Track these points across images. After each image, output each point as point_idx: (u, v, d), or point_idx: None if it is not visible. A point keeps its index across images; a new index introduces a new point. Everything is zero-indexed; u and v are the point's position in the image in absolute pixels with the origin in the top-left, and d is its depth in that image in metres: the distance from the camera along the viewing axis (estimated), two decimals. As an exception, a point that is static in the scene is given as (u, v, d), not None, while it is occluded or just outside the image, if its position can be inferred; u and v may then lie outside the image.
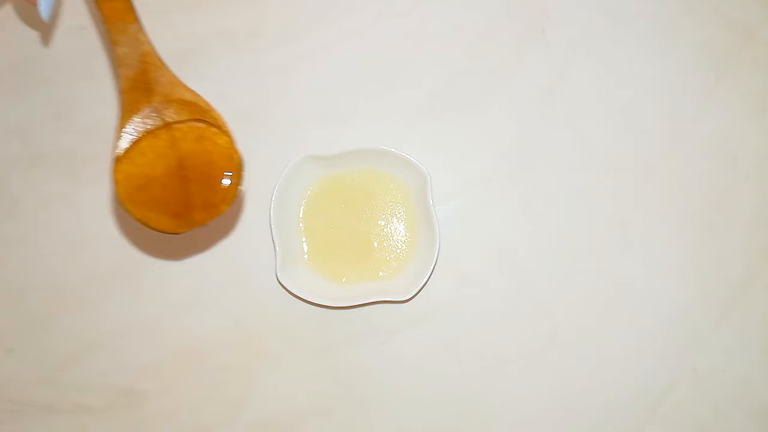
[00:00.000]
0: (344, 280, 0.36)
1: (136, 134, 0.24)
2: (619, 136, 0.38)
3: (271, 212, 0.34)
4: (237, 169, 0.25)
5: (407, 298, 0.34)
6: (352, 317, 0.37)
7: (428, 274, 0.34)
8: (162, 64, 0.24)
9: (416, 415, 0.36)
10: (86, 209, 0.38)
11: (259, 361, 0.37)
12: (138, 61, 0.24)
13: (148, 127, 0.24)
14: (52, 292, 0.37)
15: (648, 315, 0.37)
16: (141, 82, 0.24)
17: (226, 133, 0.25)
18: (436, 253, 0.34)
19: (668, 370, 0.37)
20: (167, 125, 0.24)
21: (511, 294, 0.37)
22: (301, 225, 0.36)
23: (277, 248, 0.34)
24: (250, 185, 0.38)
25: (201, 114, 0.25)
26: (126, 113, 0.24)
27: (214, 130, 0.25)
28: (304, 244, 0.36)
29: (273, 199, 0.34)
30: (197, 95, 0.25)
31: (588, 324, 0.37)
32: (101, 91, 0.38)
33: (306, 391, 0.37)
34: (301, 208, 0.36)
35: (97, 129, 0.38)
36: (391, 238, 0.36)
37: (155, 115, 0.24)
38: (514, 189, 0.38)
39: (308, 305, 0.36)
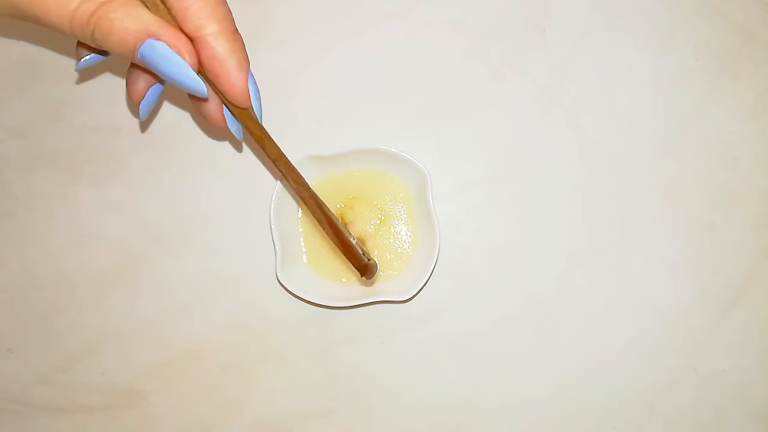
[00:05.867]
0: (344, 280, 0.36)
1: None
2: (619, 136, 0.38)
3: (271, 212, 0.34)
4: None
5: (407, 298, 0.34)
6: (352, 317, 0.37)
7: (428, 274, 0.34)
8: (300, 195, 0.31)
9: (416, 415, 0.37)
10: (86, 209, 0.38)
11: (259, 361, 0.37)
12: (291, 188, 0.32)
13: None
14: (52, 292, 0.37)
15: (648, 315, 0.37)
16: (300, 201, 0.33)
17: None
18: (437, 252, 0.34)
19: (668, 370, 0.37)
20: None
21: (511, 294, 0.37)
22: (300, 225, 0.36)
23: (277, 248, 0.34)
24: (250, 185, 0.38)
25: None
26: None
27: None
28: (304, 244, 0.36)
29: (273, 199, 0.34)
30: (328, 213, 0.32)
31: (588, 324, 0.37)
32: (101, 91, 0.38)
33: (306, 391, 0.37)
34: (301, 208, 0.36)
35: (97, 129, 0.38)
36: (391, 238, 0.36)
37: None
38: (514, 189, 0.38)
39: (308, 305, 0.36)
